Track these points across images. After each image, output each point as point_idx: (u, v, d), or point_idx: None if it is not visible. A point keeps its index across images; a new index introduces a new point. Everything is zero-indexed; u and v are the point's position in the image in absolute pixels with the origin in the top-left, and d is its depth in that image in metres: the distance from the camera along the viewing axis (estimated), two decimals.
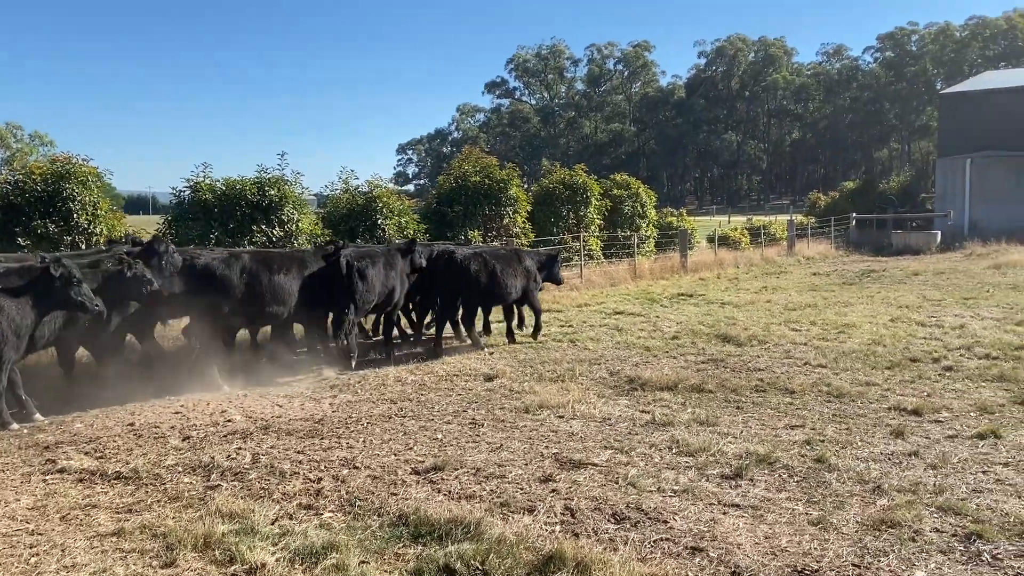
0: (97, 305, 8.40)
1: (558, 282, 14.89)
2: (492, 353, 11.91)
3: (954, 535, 5.23)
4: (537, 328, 13.12)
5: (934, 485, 6.09)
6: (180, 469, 6.69)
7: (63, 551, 5.07)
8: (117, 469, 6.65)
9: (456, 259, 12.15)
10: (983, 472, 6.43)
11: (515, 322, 13.56)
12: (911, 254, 30.38)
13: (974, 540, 5.14)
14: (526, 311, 13.92)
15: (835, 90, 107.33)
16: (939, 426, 7.76)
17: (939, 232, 33.54)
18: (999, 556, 4.93)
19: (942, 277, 21.49)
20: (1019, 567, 4.80)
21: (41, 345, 8.79)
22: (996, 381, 9.50)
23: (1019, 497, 5.88)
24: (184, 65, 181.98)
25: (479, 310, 13.20)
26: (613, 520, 5.54)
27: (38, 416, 8.42)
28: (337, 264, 10.78)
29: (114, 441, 7.54)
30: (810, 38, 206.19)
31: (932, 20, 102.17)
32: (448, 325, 12.64)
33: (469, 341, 12.57)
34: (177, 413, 8.58)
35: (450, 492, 6.06)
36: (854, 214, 36.49)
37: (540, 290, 13.81)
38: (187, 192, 15.27)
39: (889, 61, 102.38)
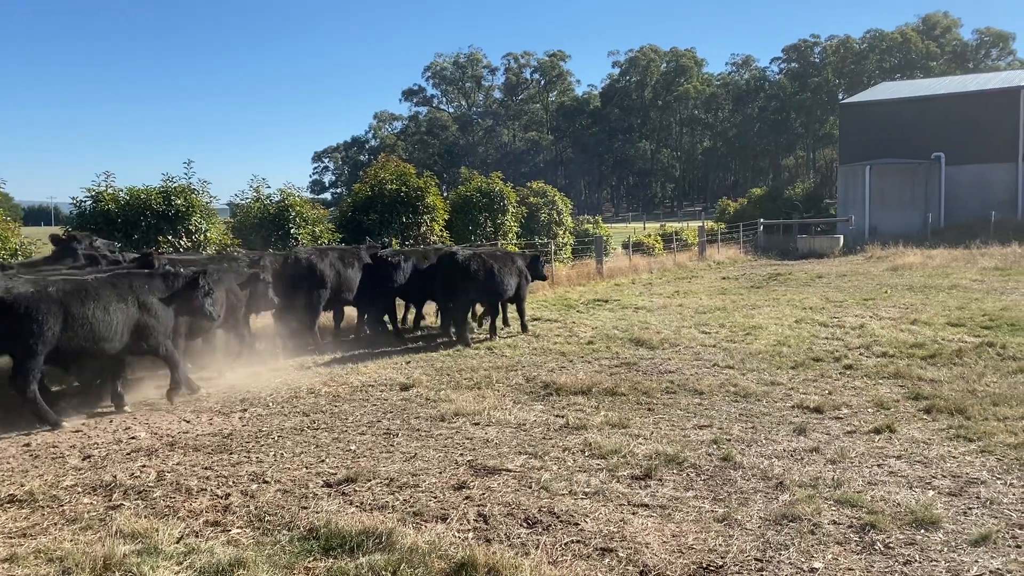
0: (218, 316, 10.04)
1: (543, 279, 16.10)
2: (409, 362, 11.85)
3: (850, 526, 5.46)
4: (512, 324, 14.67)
5: (833, 479, 6.35)
6: (80, 490, 6.43)
7: None
8: (11, 492, 6.35)
9: (459, 259, 13.32)
10: (878, 465, 6.74)
11: (499, 320, 14.56)
12: (816, 258, 31.54)
13: (868, 530, 5.38)
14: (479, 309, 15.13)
15: (744, 99, 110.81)
16: (839, 422, 8.09)
17: (842, 236, 34.92)
18: (890, 544, 5.18)
19: (844, 279, 22.40)
20: (908, 554, 5.05)
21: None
22: (892, 378, 9.96)
23: (910, 488, 6.18)
24: (85, 71, 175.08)
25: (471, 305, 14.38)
26: (525, 525, 5.59)
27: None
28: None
29: (8, 463, 7.20)
30: (719, 49, 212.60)
31: (833, 33, 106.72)
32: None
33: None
34: (77, 432, 8.26)
35: (362, 503, 6.01)
36: (762, 220, 37.68)
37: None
38: (88, 202, 14.74)
39: (794, 72, 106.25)
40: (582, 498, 6.05)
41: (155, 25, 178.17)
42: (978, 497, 5.95)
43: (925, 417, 8.18)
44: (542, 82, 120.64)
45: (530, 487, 6.30)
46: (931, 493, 6.05)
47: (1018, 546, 5.12)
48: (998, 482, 6.26)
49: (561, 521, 5.62)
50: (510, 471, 6.69)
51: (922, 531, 5.36)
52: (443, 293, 13.74)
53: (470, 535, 5.41)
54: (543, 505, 5.89)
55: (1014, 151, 36.77)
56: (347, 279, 13.35)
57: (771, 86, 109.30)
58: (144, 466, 7.02)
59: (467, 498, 6.09)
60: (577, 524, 5.55)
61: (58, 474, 6.83)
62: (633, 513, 5.75)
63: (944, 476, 6.43)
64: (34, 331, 8.18)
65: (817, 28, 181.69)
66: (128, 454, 7.42)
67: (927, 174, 38.14)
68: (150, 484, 6.52)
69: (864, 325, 13.81)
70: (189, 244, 14.63)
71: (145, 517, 5.73)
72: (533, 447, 7.36)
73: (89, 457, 7.34)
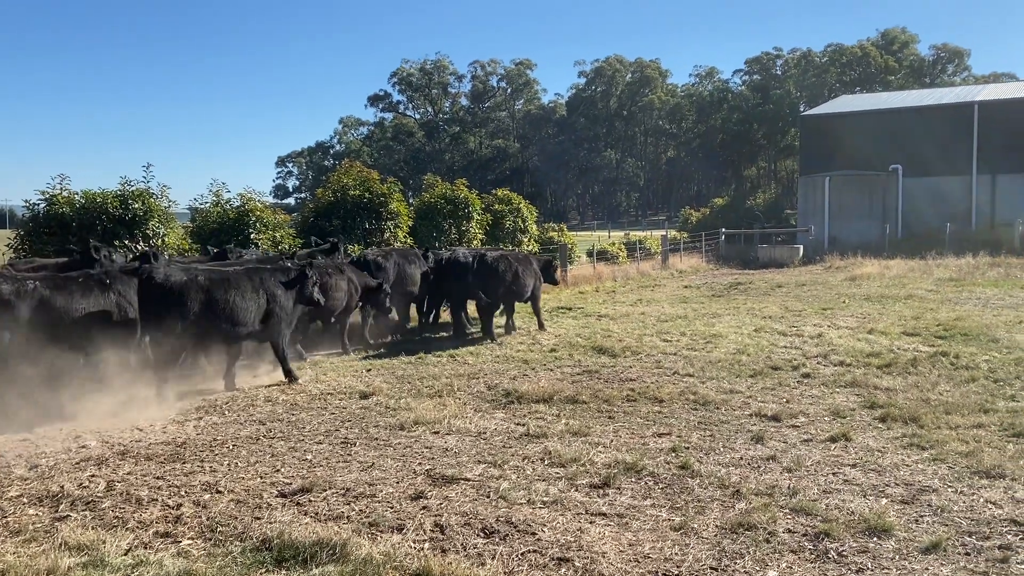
0: (320, 300, 11.25)
1: (555, 283, 17.72)
2: (370, 370, 11.74)
3: (805, 535, 5.50)
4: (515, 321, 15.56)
5: (788, 488, 6.40)
6: (25, 500, 6.26)
7: None
8: None
9: (488, 261, 14.44)
10: (833, 474, 6.81)
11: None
12: (776, 267, 31.88)
13: (822, 539, 5.42)
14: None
15: (707, 110, 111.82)
16: (796, 431, 8.17)
17: (801, 246, 35.34)
18: (844, 553, 5.22)
19: (803, 289, 22.68)
20: (861, 562, 5.10)
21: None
22: (849, 387, 10.09)
23: (864, 496, 6.25)
24: (40, 69, 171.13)
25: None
26: (483, 534, 5.55)
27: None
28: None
29: None
30: (683, 60, 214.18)
31: (795, 46, 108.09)
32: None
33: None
34: (25, 440, 8.04)
35: (317, 514, 5.92)
36: (723, 229, 38.05)
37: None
38: (42, 205, 14.44)
39: (756, 84, 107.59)
40: (540, 507, 6.02)
41: (115, 26, 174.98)
42: (929, 505, 6.04)
43: (880, 426, 8.29)
44: (508, 90, 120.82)
45: (488, 496, 6.26)
46: (884, 501, 6.13)
47: (967, 554, 5.20)
48: (949, 490, 6.35)
49: (518, 530, 5.58)
50: (469, 480, 6.65)
51: (875, 539, 5.42)
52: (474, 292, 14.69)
53: (426, 545, 5.36)
54: (501, 514, 5.86)
55: (968, 164, 37.56)
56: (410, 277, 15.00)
57: (734, 97, 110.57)
58: (93, 476, 6.86)
59: (424, 508, 6.03)
60: (535, 533, 5.53)
61: (2, 484, 6.64)
62: (591, 522, 5.74)
63: (897, 484, 6.52)
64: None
65: (779, 41, 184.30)
66: (77, 463, 7.25)
67: (885, 186, 38.84)
68: (99, 494, 6.37)
69: (822, 334, 13.98)
70: (146, 249, 14.37)
71: (92, 528, 5.60)
72: (493, 456, 7.32)
73: (36, 467, 7.15)
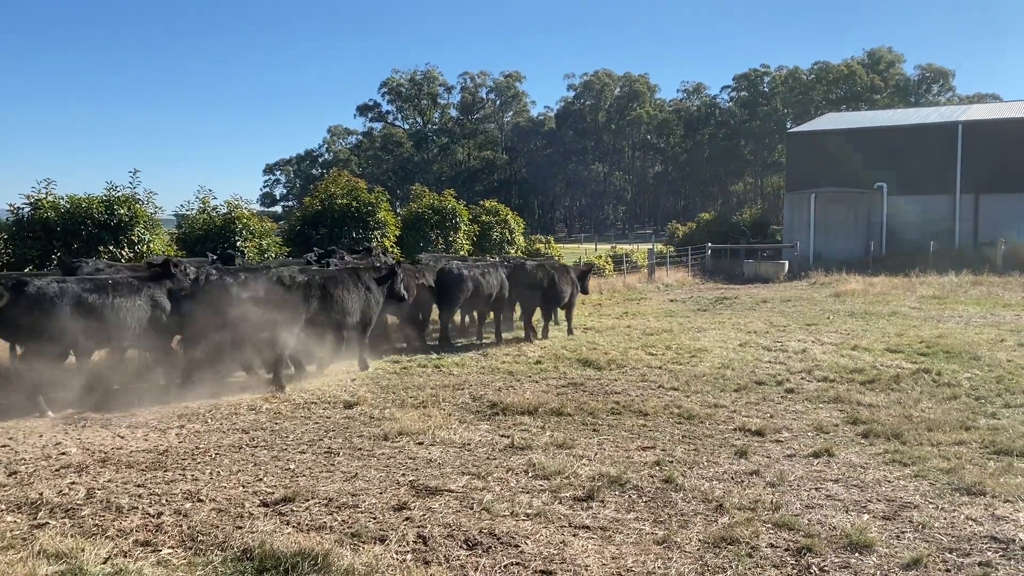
0: (405, 297, 13.09)
1: (585, 292, 18.28)
2: (354, 380, 11.70)
3: (787, 550, 5.52)
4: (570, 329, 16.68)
5: (771, 502, 6.42)
6: (3, 507, 6.19)
7: None
8: None
9: (527, 269, 15.57)
10: (816, 489, 6.84)
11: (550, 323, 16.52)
12: (761, 282, 32.00)
13: (804, 554, 5.44)
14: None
15: (695, 126, 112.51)
16: (779, 446, 8.20)
17: (787, 262, 35.51)
18: (825, 568, 5.24)
19: (788, 304, 22.78)
20: None
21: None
22: (832, 402, 10.14)
23: (847, 512, 6.28)
24: (26, 73, 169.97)
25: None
26: (465, 546, 5.53)
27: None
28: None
29: None
30: (671, 75, 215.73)
31: (782, 64, 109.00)
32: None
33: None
34: (4, 446, 7.96)
35: (299, 524, 5.89)
36: (710, 244, 38.23)
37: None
38: (26, 209, 14.35)
39: (744, 100, 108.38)
40: (524, 519, 6.01)
41: (102, 29, 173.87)
42: (911, 521, 6.07)
43: (863, 441, 8.33)
44: (497, 102, 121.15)
45: (472, 508, 6.24)
46: (866, 517, 6.15)
47: (948, 570, 5.23)
48: (930, 507, 6.39)
49: (501, 543, 5.57)
50: (452, 492, 6.63)
51: (856, 555, 5.44)
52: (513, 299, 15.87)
53: (409, 557, 5.34)
54: (484, 526, 5.84)
55: (952, 183, 37.93)
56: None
57: (721, 113, 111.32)
58: (73, 483, 6.80)
59: (407, 519, 6.01)
60: (517, 546, 5.51)
61: None
62: (574, 535, 5.74)
63: (879, 500, 6.55)
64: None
65: (767, 59, 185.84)
66: (57, 470, 7.18)
67: (870, 203, 39.15)
68: (78, 502, 6.31)
69: (806, 350, 14.06)
70: (132, 255, 14.31)
71: (71, 536, 5.54)
72: (477, 467, 7.31)
73: (15, 473, 7.08)
